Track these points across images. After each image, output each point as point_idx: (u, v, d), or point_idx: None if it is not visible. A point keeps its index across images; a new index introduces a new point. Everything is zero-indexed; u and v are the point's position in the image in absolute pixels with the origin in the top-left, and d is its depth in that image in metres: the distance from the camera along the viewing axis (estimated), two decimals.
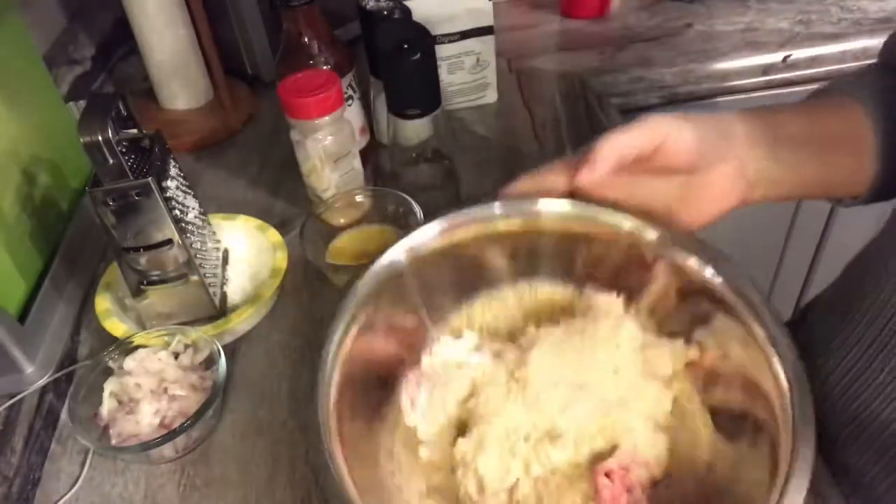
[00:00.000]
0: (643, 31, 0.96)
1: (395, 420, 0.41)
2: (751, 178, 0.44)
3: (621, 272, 0.42)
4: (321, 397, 0.34)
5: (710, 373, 0.39)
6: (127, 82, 0.94)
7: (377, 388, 0.40)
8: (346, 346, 0.37)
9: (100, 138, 0.48)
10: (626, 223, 0.41)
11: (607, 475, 0.37)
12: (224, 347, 0.52)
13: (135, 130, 0.52)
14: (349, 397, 0.36)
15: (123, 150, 0.49)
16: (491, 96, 0.83)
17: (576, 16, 1.01)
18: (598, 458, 0.38)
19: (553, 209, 0.42)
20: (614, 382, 0.39)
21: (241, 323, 0.56)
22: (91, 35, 0.93)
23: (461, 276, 0.44)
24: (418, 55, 0.55)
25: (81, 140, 0.48)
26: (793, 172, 0.45)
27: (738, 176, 0.44)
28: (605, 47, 0.93)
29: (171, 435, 0.47)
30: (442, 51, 0.76)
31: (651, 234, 0.41)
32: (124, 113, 0.51)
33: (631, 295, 0.42)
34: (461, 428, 0.41)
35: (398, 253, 0.41)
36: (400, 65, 0.56)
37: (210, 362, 0.52)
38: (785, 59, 0.88)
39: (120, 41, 0.97)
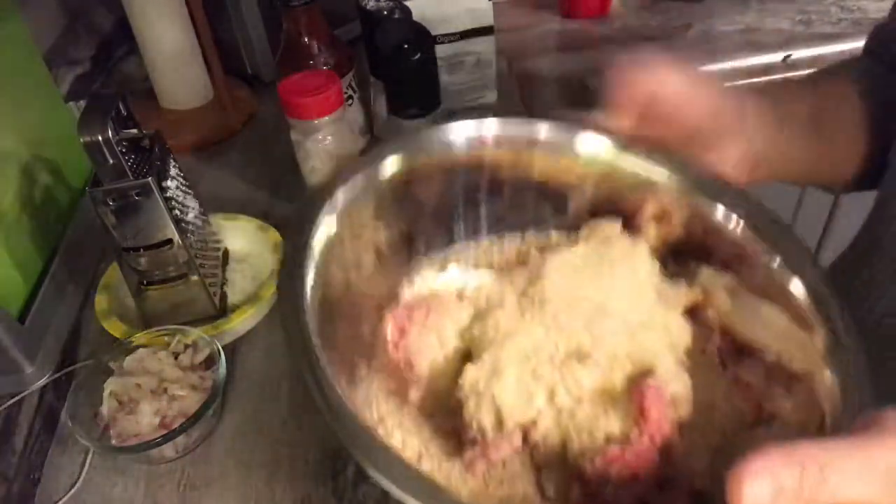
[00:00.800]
0: (643, 31, 0.96)
1: (376, 357, 0.35)
2: (756, 159, 0.43)
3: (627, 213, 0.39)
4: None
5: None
6: (127, 82, 0.94)
7: (354, 322, 0.35)
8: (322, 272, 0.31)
9: (100, 138, 0.48)
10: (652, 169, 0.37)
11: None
12: (224, 347, 0.52)
13: (135, 130, 0.53)
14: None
15: (123, 150, 0.50)
16: (491, 96, 0.83)
17: (576, 16, 1.01)
18: (632, 383, 0.32)
19: (589, 148, 0.38)
20: (636, 306, 0.35)
21: (241, 323, 0.56)
22: (91, 35, 0.94)
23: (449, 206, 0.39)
24: (418, 55, 0.55)
25: (81, 140, 0.48)
26: (796, 150, 0.45)
27: (743, 159, 0.42)
28: (606, 47, 0.93)
29: (171, 435, 0.47)
30: (442, 51, 0.76)
31: (672, 179, 0.37)
32: (124, 113, 0.51)
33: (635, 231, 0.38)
34: (463, 361, 0.34)
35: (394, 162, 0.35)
36: (400, 65, 0.56)
37: (210, 362, 0.52)
38: (785, 59, 0.88)
39: (120, 41, 0.97)
